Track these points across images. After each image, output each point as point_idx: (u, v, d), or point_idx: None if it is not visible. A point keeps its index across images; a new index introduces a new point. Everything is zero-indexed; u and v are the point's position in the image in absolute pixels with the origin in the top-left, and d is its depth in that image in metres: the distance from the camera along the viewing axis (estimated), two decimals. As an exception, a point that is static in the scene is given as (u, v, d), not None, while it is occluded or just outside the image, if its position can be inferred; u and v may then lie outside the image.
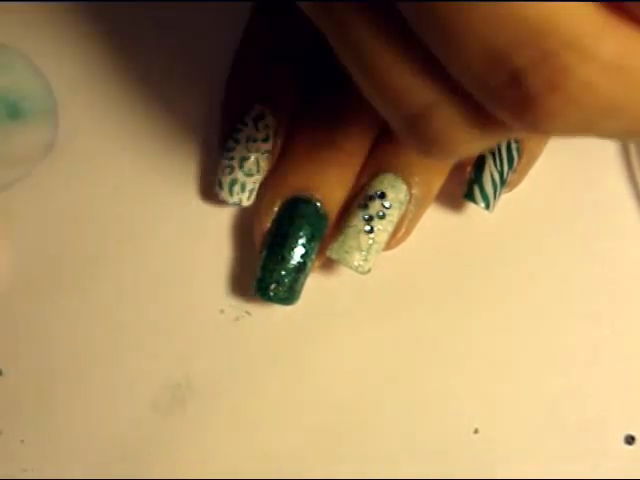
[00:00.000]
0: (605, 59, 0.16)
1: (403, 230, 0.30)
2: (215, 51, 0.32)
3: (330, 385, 0.32)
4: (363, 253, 0.29)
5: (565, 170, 0.32)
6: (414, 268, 0.32)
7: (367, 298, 0.32)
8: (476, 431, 0.32)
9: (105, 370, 0.33)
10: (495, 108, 0.17)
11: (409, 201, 0.30)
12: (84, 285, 0.33)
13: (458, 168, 0.31)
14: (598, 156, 0.33)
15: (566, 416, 0.32)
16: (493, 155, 0.30)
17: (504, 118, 0.17)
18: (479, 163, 0.30)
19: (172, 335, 0.33)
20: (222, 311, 0.33)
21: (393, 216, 0.29)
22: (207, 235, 0.32)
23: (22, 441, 0.33)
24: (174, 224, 0.32)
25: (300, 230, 0.30)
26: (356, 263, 0.29)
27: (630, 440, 0.32)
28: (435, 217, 0.32)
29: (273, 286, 0.30)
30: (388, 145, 0.30)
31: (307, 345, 0.32)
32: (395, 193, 0.29)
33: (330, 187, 0.30)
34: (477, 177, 0.30)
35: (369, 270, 0.29)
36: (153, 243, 0.32)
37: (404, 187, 0.29)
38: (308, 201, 0.30)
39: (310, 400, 0.32)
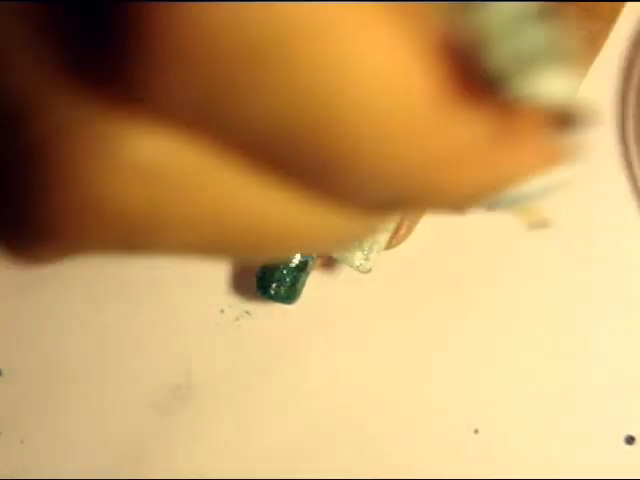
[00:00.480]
0: (137, 161, 0.12)
1: (404, 230, 0.30)
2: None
3: (330, 385, 0.32)
4: (364, 252, 0.29)
5: (565, 170, 0.32)
6: (414, 268, 0.32)
7: (367, 298, 0.32)
8: (476, 431, 0.32)
9: (105, 370, 0.33)
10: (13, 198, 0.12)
11: None
12: (84, 285, 0.33)
13: None
14: (598, 156, 0.33)
15: (566, 416, 0.32)
16: None
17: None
18: None
19: (172, 335, 0.33)
20: (222, 311, 0.33)
21: (394, 216, 0.29)
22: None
23: (22, 441, 0.33)
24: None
25: None
26: (357, 262, 0.29)
27: (630, 440, 0.32)
28: (434, 216, 0.32)
29: (274, 285, 0.30)
30: None
31: (307, 345, 0.32)
32: None
33: None
34: None
35: (370, 269, 0.29)
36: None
37: None
38: None
39: (310, 399, 0.32)
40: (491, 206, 0.15)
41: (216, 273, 0.33)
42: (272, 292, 0.30)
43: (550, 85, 0.13)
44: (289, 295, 0.30)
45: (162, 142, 0.12)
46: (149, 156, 0.12)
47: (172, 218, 0.13)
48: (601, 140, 0.32)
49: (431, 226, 0.32)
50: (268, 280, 0.30)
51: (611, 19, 0.30)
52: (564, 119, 0.13)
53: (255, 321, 0.33)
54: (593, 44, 0.30)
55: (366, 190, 0.13)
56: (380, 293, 0.32)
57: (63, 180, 0.12)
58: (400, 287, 0.32)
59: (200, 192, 0.13)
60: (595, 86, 0.31)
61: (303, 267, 0.30)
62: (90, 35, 0.11)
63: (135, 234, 0.13)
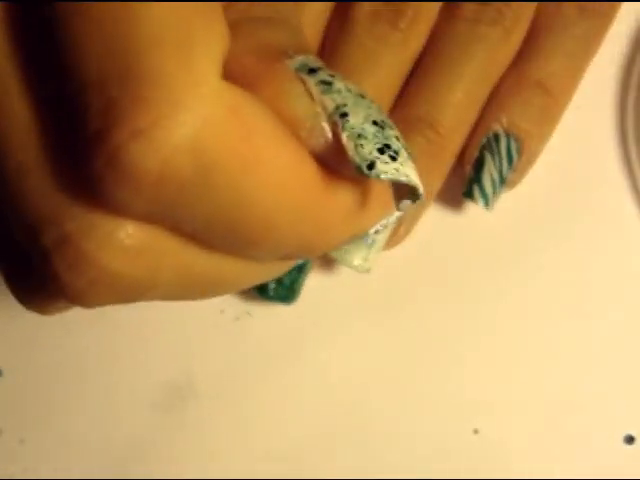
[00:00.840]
0: (125, 245, 0.17)
1: (402, 229, 0.30)
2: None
3: (330, 385, 0.32)
4: (363, 252, 0.29)
5: (565, 170, 0.32)
6: (414, 267, 0.32)
7: (367, 298, 0.32)
8: (476, 431, 0.32)
9: (105, 370, 0.33)
10: (42, 275, 0.18)
11: None
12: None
13: (458, 167, 0.31)
14: (598, 156, 0.33)
15: (566, 416, 0.32)
16: (492, 154, 0.30)
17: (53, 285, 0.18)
18: (479, 162, 0.30)
19: (172, 335, 0.33)
20: (222, 311, 0.33)
21: (393, 215, 0.29)
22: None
23: (22, 441, 0.33)
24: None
25: None
26: (356, 262, 0.29)
27: (630, 440, 0.32)
28: (434, 216, 0.32)
29: (273, 285, 0.30)
30: None
31: (307, 345, 0.32)
32: None
33: None
34: (477, 176, 0.30)
35: (369, 269, 0.29)
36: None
37: None
38: None
39: (310, 400, 0.32)
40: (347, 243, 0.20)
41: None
42: (271, 293, 0.30)
43: (403, 171, 0.18)
44: (288, 295, 0.30)
45: (140, 231, 0.17)
46: (132, 240, 0.17)
47: (149, 282, 0.18)
48: (601, 140, 0.32)
49: (430, 225, 0.32)
50: (267, 281, 0.30)
51: (609, 16, 0.30)
52: (404, 192, 0.19)
53: (255, 321, 0.33)
54: (590, 42, 0.30)
55: (266, 256, 0.19)
56: (380, 293, 0.32)
57: (78, 265, 0.17)
58: (399, 287, 0.32)
59: (166, 263, 0.18)
60: (595, 86, 0.31)
61: (302, 268, 0.30)
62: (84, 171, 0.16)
63: (126, 292, 0.18)
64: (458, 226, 0.33)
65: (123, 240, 0.17)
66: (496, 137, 0.30)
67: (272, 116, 0.17)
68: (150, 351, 0.33)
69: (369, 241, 0.29)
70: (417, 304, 0.32)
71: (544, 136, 0.31)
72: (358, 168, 0.17)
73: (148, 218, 0.17)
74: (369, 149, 0.17)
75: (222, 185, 0.16)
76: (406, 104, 0.30)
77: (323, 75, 0.18)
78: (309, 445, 0.32)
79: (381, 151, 0.17)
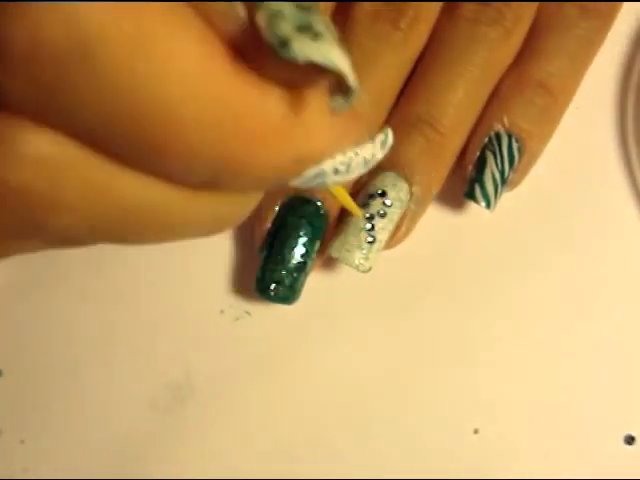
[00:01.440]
0: (21, 153, 0.15)
1: (403, 229, 0.30)
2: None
3: (330, 385, 0.32)
4: (364, 252, 0.29)
5: (565, 170, 0.32)
6: (414, 267, 0.32)
7: (367, 298, 0.32)
8: (476, 431, 0.32)
9: (105, 370, 0.33)
10: None
11: (410, 199, 0.30)
12: (84, 285, 0.33)
13: (459, 167, 0.31)
14: (598, 156, 0.33)
15: (566, 416, 0.32)
16: (494, 154, 0.30)
17: None
18: (480, 162, 0.30)
19: (172, 335, 0.33)
20: (222, 311, 0.33)
21: (394, 215, 0.29)
22: (207, 235, 0.32)
23: (22, 441, 0.33)
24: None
25: (300, 230, 0.30)
26: (357, 262, 0.29)
27: (630, 440, 0.32)
28: (436, 216, 0.32)
29: (273, 286, 0.30)
30: None
31: (307, 345, 0.32)
32: (396, 192, 0.29)
33: None
34: (478, 176, 0.30)
35: (370, 269, 0.29)
36: (153, 243, 0.32)
37: (405, 185, 0.29)
38: (309, 201, 0.30)
39: (310, 400, 0.32)
40: (298, 184, 0.18)
41: (216, 273, 0.33)
42: (271, 293, 0.30)
43: (324, 52, 0.15)
44: (288, 296, 0.30)
45: (44, 139, 0.15)
46: (35, 149, 0.15)
47: (57, 200, 0.16)
48: (601, 140, 0.32)
49: (431, 225, 0.32)
50: (267, 281, 0.30)
51: (611, 16, 0.30)
52: (339, 87, 0.16)
53: (255, 321, 0.33)
54: (591, 42, 0.30)
55: (186, 173, 0.16)
56: (379, 293, 0.32)
57: None
58: (399, 287, 0.32)
59: (73, 177, 0.16)
60: (595, 86, 0.31)
61: (302, 268, 0.30)
62: None
63: (32, 212, 0.16)
64: (458, 226, 0.33)
65: (20, 148, 0.15)
66: (498, 137, 0.30)
67: None
68: (150, 351, 0.33)
69: (370, 240, 0.29)
70: (417, 304, 0.32)
71: (545, 136, 0.31)
72: (271, 46, 0.15)
73: (27, 105, 0.15)
74: (285, 26, 0.15)
75: (106, 65, 0.14)
76: (406, 103, 0.30)
77: None
78: (309, 445, 0.32)
79: (300, 29, 0.15)
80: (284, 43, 0.15)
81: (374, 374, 0.32)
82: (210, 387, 0.33)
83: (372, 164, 0.21)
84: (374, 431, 0.32)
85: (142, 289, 0.33)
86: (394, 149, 0.29)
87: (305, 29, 0.15)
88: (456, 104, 0.29)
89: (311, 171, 0.18)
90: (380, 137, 0.21)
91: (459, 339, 0.32)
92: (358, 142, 0.19)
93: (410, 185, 0.29)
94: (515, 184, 0.31)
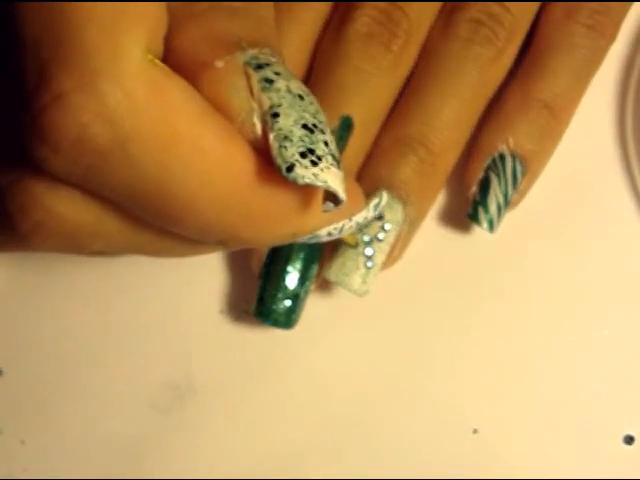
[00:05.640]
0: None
1: (398, 249, 0.30)
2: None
3: (330, 385, 0.32)
4: (362, 275, 0.29)
5: (565, 170, 0.32)
6: (414, 268, 0.32)
7: (367, 299, 0.32)
8: (476, 431, 0.32)
9: (105, 370, 0.33)
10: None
11: (404, 220, 0.29)
12: (84, 285, 0.33)
13: (456, 184, 0.31)
14: (598, 156, 0.33)
15: (566, 416, 0.32)
16: (498, 177, 0.30)
17: None
18: (484, 185, 0.30)
19: (172, 335, 0.33)
20: (222, 311, 0.33)
21: (391, 237, 0.29)
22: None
23: (22, 441, 0.33)
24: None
25: (298, 256, 0.29)
26: (356, 286, 0.29)
27: (630, 440, 0.32)
28: (435, 216, 0.32)
29: (273, 313, 0.29)
30: (381, 161, 0.30)
31: (307, 345, 0.32)
32: (392, 214, 0.29)
33: None
34: (482, 199, 0.30)
35: (367, 292, 0.29)
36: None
37: (400, 207, 0.29)
38: None
39: (310, 400, 0.32)
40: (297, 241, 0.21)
41: (216, 274, 0.33)
42: (271, 320, 0.30)
43: (322, 177, 0.18)
44: (287, 321, 0.30)
45: (76, 201, 0.19)
46: (67, 208, 0.19)
47: (93, 228, 0.19)
48: (601, 140, 0.32)
49: (431, 225, 0.32)
50: (266, 308, 0.30)
51: (613, 36, 0.30)
52: (332, 196, 0.19)
53: (255, 321, 0.32)
54: (594, 63, 0.30)
55: (198, 238, 0.20)
56: (380, 294, 0.32)
57: (27, 206, 0.19)
58: (400, 287, 0.32)
59: (110, 211, 0.19)
60: (595, 86, 0.31)
61: (300, 293, 0.30)
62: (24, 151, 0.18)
63: (70, 238, 0.19)
64: (458, 226, 0.33)
65: (57, 207, 0.18)
66: (502, 158, 0.30)
67: (201, 101, 0.18)
68: (149, 351, 0.33)
69: (368, 264, 0.29)
70: (417, 305, 0.32)
71: (547, 157, 0.30)
72: (279, 169, 0.18)
73: (70, 179, 0.18)
74: (291, 152, 0.18)
75: (139, 158, 0.17)
76: (398, 123, 0.30)
77: (268, 72, 0.19)
78: (309, 445, 0.32)
79: (303, 155, 0.18)
80: (289, 168, 0.18)
81: (374, 374, 0.32)
82: (210, 387, 0.33)
83: (364, 225, 0.25)
84: (374, 431, 0.32)
85: (142, 289, 0.33)
86: (388, 169, 0.29)
87: (308, 153, 0.18)
88: (449, 124, 0.29)
89: (306, 237, 0.21)
90: (374, 202, 0.24)
91: (459, 339, 0.32)
92: (353, 215, 0.22)
93: (404, 205, 0.29)
94: (515, 204, 0.31)
